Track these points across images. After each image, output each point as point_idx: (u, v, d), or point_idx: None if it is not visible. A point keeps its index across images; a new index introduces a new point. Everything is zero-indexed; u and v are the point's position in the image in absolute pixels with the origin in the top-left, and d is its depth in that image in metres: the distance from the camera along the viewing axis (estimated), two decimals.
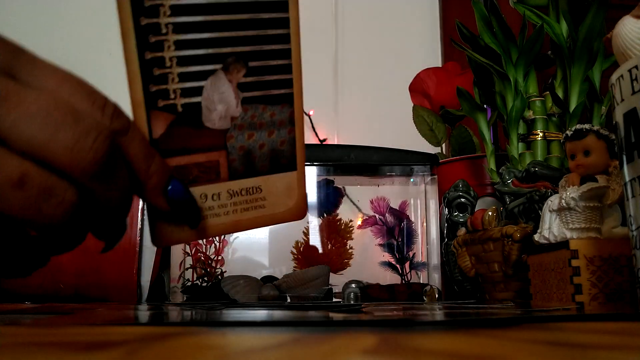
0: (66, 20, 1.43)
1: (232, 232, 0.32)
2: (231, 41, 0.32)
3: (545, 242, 0.50)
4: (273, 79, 0.33)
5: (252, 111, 0.33)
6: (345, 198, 1.17)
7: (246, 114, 0.33)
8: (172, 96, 0.31)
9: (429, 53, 1.48)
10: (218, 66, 0.32)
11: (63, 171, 0.25)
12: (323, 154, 0.91)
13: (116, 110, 0.28)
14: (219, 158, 0.33)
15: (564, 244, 0.48)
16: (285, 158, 0.34)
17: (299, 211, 0.35)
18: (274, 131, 0.34)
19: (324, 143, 1.37)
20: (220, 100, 0.32)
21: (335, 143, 1.38)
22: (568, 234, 0.48)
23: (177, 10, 0.30)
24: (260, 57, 0.32)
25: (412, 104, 1.04)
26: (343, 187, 1.15)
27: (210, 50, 0.31)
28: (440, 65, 1.37)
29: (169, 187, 0.30)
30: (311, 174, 0.92)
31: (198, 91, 0.31)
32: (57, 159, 0.25)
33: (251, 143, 0.33)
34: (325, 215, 0.94)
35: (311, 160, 0.89)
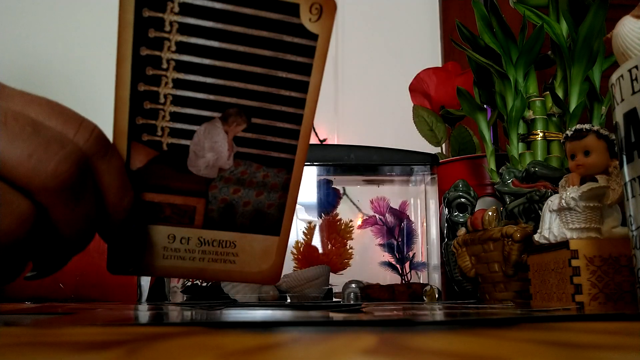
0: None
1: (195, 279, 0.31)
2: (237, 92, 0.29)
3: (545, 242, 0.50)
4: (275, 140, 0.30)
5: (244, 167, 0.31)
6: (344, 198, 1.17)
7: (237, 168, 0.31)
8: (159, 133, 0.29)
9: (429, 53, 1.48)
10: (216, 114, 0.29)
11: (17, 183, 0.23)
12: (323, 154, 0.91)
13: (95, 133, 0.26)
14: (196, 204, 0.31)
15: (564, 244, 0.48)
16: (270, 222, 0.32)
17: (271, 277, 0.33)
18: (263, 193, 0.31)
19: (324, 143, 1.37)
20: (211, 148, 0.30)
21: (335, 143, 1.38)
22: (568, 234, 0.48)
23: (183, 47, 0.28)
24: (267, 115, 0.30)
25: (412, 104, 1.04)
26: (343, 187, 1.15)
27: (211, 97, 0.29)
28: (440, 65, 1.37)
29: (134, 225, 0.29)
30: (311, 174, 0.92)
31: (189, 134, 0.29)
32: (10, 169, 0.23)
33: (235, 198, 0.31)
34: (323, 215, 0.94)
35: (311, 160, 0.89)
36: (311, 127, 0.31)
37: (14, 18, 1.42)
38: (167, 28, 0.27)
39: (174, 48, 0.28)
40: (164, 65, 0.28)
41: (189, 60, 0.28)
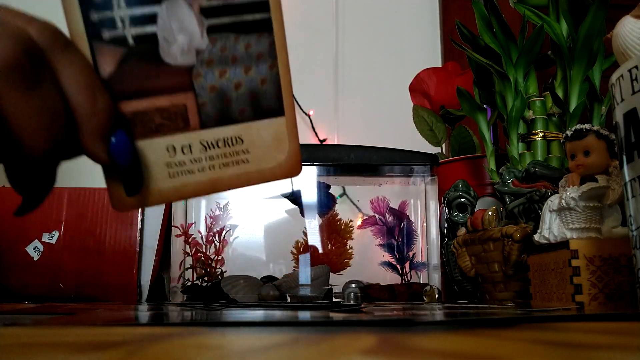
0: None
1: (211, 193, 0.27)
2: None
3: (545, 242, 0.50)
4: (245, 1, 0.27)
5: (222, 42, 0.27)
6: (344, 198, 1.17)
7: (214, 46, 0.27)
8: (120, 25, 0.25)
9: (429, 53, 1.48)
10: None
11: None
12: (323, 154, 0.91)
13: (50, 28, 0.23)
14: (185, 101, 0.27)
15: (564, 244, 0.48)
16: (269, 101, 0.28)
17: (292, 166, 0.29)
18: (252, 67, 0.27)
19: (324, 143, 1.37)
20: (180, 29, 0.26)
21: (335, 143, 1.38)
22: (568, 234, 0.48)
23: None
24: None
25: (412, 104, 1.04)
26: (343, 187, 1.15)
27: None
28: (440, 65, 1.37)
29: (113, 138, 0.25)
30: (311, 174, 0.92)
31: (152, 19, 0.26)
32: None
33: (224, 82, 0.27)
34: (317, 216, 0.94)
35: (311, 160, 0.89)
36: None
37: None
38: None
39: None
40: None
41: None
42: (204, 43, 0.27)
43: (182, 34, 0.26)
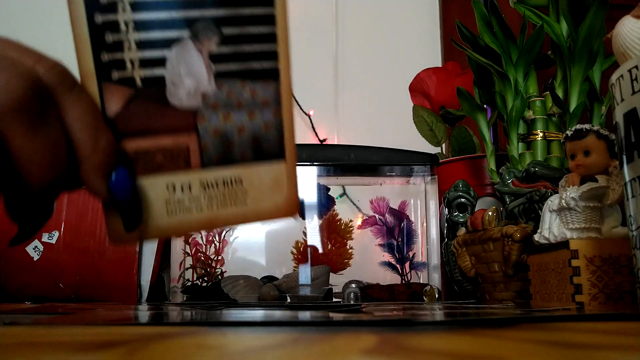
0: None
1: (208, 230, 0.28)
2: (200, 3, 0.26)
3: (545, 242, 0.50)
4: (253, 50, 0.27)
5: (229, 88, 0.28)
6: (344, 198, 1.17)
7: (221, 91, 0.28)
8: (129, 67, 0.26)
9: (429, 53, 1.48)
10: (184, 33, 0.27)
11: None
12: (323, 154, 0.91)
13: (58, 67, 0.24)
14: (188, 143, 0.28)
15: (564, 244, 0.48)
16: (271, 145, 0.29)
17: (289, 208, 0.29)
18: (256, 112, 0.28)
19: (324, 143, 1.37)
20: (188, 73, 0.27)
21: (335, 143, 1.38)
22: (568, 234, 0.48)
23: None
24: (237, 22, 0.27)
25: (412, 104, 1.04)
26: (343, 187, 1.15)
27: (174, 14, 0.26)
28: (440, 65, 1.37)
29: (113, 175, 0.26)
30: (311, 174, 0.92)
31: (161, 62, 0.26)
32: None
33: (228, 126, 0.28)
34: (315, 217, 0.94)
35: (311, 160, 0.89)
36: (287, 26, 0.28)
37: (13, 18, 1.42)
38: None
39: None
40: None
41: None
42: (211, 87, 0.28)
43: (189, 77, 0.27)
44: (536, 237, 0.52)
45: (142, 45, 0.26)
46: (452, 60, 1.16)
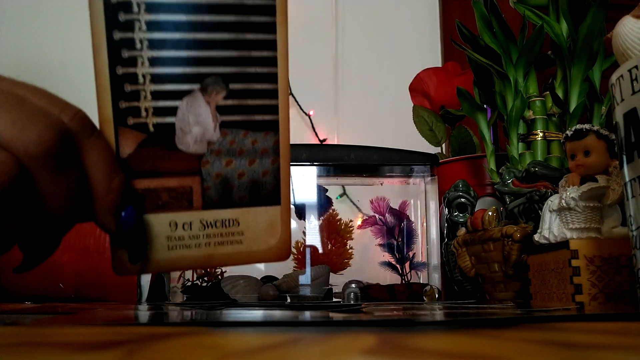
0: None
1: (204, 267, 0.30)
2: (211, 61, 0.30)
3: (545, 242, 0.50)
4: (256, 103, 0.31)
5: (232, 136, 0.31)
6: (344, 198, 1.17)
7: (225, 139, 0.31)
8: (144, 114, 0.29)
9: (429, 53, 1.48)
10: (195, 86, 0.30)
11: (4, 145, 0.25)
12: (323, 154, 0.91)
13: (79, 114, 0.27)
14: (192, 184, 0.30)
15: (564, 244, 0.48)
16: (268, 191, 0.31)
17: (282, 252, 0.32)
18: (256, 160, 0.31)
19: (324, 143, 1.37)
20: (196, 122, 0.30)
21: (335, 143, 1.38)
22: (568, 234, 0.48)
23: (153, 26, 0.29)
24: (243, 79, 0.30)
25: (412, 104, 1.04)
26: (343, 187, 1.15)
27: (187, 70, 0.30)
28: (440, 65, 1.37)
29: (123, 213, 0.28)
30: (311, 174, 0.92)
31: (172, 111, 0.30)
32: None
33: (229, 171, 0.31)
34: (313, 217, 0.94)
35: (311, 160, 0.89)
36: (288, 83, 0.31)
37: (13, 18, 1.42)
38: (135, 9, 0.29)
39: (144, 27, 0.29)
40: (138, 46, 0.29)
41: (160, 37, 0.29)
42: (216, 136, 0.30)
43: (197, 126, 0.30)
44: (536, 237, 0.52)
45: (156, 95, 0.29)
46: (452, 60, 1.16)
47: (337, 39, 1.46)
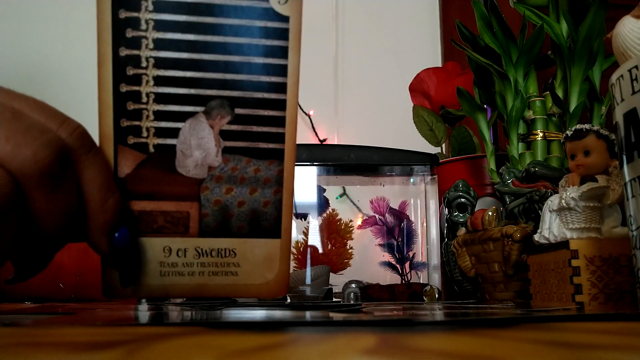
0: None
1: (196, 296, 0.29)
2: (217, 83, 0.29)
3: (545, 242, 0.50)
4: (262, 130, 0.29)
5: (234, 163, 0.30)
6: (344, 198, 1.17)
7: (226, 165, 0.29)
8: (145, 134, 0.28)
9: (429, 53, 1.48)
10: (199, 109, 0.29)
11: None
12: (323, 154, 0.91)
13: (79, 130, 0.26)
14: (189, 209, 0.29)
15: (564, 244, 0.48)
16: (268, 222, 0.30)
17: (279, 288, 0.31)
18: (257, 189, 0.30)
19: (324, 143, 1.37)
20: (198, 146, 0.29)
21: (335, 143, 1.38)
22: (568, 234, 0.48)
23: (160, 44, 0.28)
24: (250, 104, 0.29)
25: (412, 104, 1.04)
26: (343, 187, 1.15)
27: (192, 91, 0.28)
28: (440, 65, 1.37)
29: (116, 234, 0.27)
30: (311, 174, 0.92)
31: (174, 133, 0.29)
32: None
33: (229, 198, 0.30)
34: (310, 217, 0.94)
35: (311, 160, 0.89)
36: (297, 111, 0.30)
37: (13, 18, 1.42)
38: (144, 26, 0.28)
39: (151, 45, 0.28)
40: (144, 64, 0.28)
41: (167, 56, 0.28)
42: (217, 161, 0.29)
43: (198, 150, 0.29)
44: (536, 237, 0.52)
45: (159, 115, 0.28)
46: (452, 60, 1.16)
47: (337, 38, 1.46)
